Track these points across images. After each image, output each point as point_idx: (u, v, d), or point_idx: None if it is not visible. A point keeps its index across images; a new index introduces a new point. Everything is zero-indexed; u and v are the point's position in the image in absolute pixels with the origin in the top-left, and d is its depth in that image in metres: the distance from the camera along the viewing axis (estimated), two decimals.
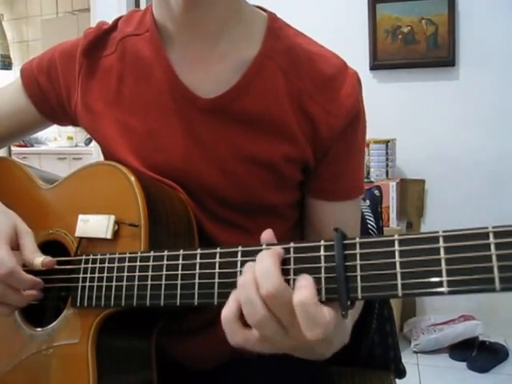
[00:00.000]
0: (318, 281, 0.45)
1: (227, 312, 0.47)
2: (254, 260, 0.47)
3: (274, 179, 0.69)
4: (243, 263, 0.49)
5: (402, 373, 0.97)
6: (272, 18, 0.71)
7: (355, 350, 0.94)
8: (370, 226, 0.98)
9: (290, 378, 0.72)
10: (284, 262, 0.46)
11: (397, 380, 0.95)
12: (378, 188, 1.19)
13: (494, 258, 0.38)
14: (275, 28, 0.70)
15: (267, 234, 0.50)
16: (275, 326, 0.45)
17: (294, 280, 0.45)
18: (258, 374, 0.72)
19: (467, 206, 2.42)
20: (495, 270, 0.38)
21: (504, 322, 2.34)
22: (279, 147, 0.67)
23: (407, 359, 2.13)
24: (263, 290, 0.44)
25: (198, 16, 0.65)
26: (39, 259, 0.62)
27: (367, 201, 1.08)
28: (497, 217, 2.32)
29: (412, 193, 2.51)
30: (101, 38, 0.74)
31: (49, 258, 0.63)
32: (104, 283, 0.60)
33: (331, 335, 0.45)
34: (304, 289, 0.44)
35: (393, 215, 2.28)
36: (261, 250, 0.48)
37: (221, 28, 0.67)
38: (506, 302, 2.29)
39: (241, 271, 0.49)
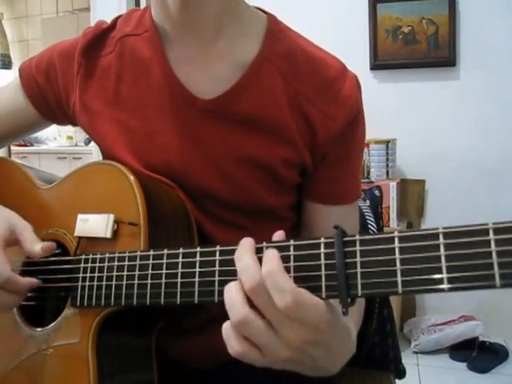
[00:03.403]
0: (318, 278, 0.45)
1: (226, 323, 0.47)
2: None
3: (273, 182, 0.69)
4: None
5: (402, 373, 0.96)
6: (272, 20, 0.71)
7: (355, 350, 0.94)
8: (370, 226, 0.98)
9: (290, 377, 0.72)
10: (284, 259, 0.46)
11: (397, 380, 0.95)
12: (379, 188, 1.20)
13: (494, 254, 0.38)
14: (275, 30, 0.69)
15: (279, 237, 0.49)
16: (262, 326, 0.45)
17: (295, 277, 0.45)
18: (257, 373, 0.72)
19: (467, 206, 2.42)
20: (495, 266, 0.38)
21: (504, 323, 2.34)
22: (278, 150, 0.67)
23: (407, 359, 2.13)
24: (245, 285, 0.44)
25: (194, 15, 0.65)
26: (38, 245, 0.63)
27: (367, 201, 1.08)
28: (497, 217, 2.30)
29: (412, 193, 2.51)
30: (100, 37, 0.74)
31: (48, 243, 0.64)
32: (104, 282, 0.60)
33: (326, 337, 0.45)
34: (269, 261, 0.44)
35: (393, 215, 2.28)
36: (261, 247, 0.48)
37: (217, 27, 0.67)
38: (507, 303, 2.29)
39: None
